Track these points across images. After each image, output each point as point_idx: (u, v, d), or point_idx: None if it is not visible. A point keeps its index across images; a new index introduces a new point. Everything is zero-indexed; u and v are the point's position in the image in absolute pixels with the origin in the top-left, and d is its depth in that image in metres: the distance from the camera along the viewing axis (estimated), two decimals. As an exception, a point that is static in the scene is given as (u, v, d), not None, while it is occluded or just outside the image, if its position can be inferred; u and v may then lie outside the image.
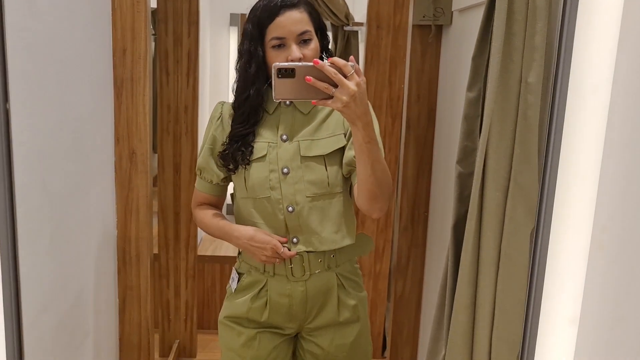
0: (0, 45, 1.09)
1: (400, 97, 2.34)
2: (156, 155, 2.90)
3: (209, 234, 1.57)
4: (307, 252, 1.45)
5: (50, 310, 1.42)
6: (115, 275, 1.94)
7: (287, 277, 1.47)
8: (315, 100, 1.20)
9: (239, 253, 1.57)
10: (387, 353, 2.05)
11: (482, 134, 1.10)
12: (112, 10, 1.80)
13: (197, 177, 1.56)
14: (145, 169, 1.88)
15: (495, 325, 1.11)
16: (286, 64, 1.20)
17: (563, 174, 0.89)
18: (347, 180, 1.48)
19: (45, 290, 1.39)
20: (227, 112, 1.50)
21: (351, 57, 1.19)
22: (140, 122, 1.85)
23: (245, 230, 1.44)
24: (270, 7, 1.36)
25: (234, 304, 1.53)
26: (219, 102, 1.54)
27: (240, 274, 1.55)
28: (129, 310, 1.96)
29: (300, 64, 1.20)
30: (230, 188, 1.60)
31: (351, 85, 1.15)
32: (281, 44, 1.36)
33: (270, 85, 1.44)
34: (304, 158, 1.42)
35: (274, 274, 1.48)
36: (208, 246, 3.75)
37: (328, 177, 1.42)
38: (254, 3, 1.41)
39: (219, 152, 1.47)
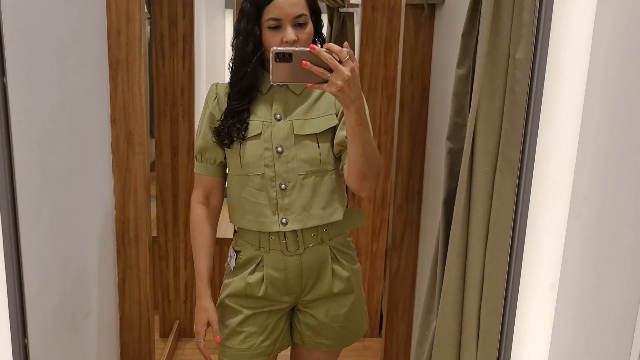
0: (-4, 27, 1.11)
1: (396, 78, 2.35)
2: (154, 140, 2.92)
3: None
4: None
5: (51, 289, 1.45)
6: (115, 256, 1.97)
7: (282, 251, 1.52)
8: (311, 84, 1.25)
9: (235, 232, 1.61)
10: (383, 328, 2.09)
11: (471, 110, 1.13)
12: (106, -7, 1.81)
13: (197, 162, 1.57)
14: (143, 151, 1.90)
15: (484, 296, 1.14)
16: (284, 48, 1.25)
17: (542, 145, 0.92)
18: (338, 159, 1.53)
19: (46, 269, 1.42)
20: (223, 90, 1.55)
21: (345, 43, 1.25)
22: (137, 103, 1.86)
23: (203, 302, 1.55)
24: None
25: (232, 282, 1.58)
26: (213, 84, 1.59)
27: (237, 252, 1.59)
28: (129, 289, 2.00)
29: (297, 49, 1.25)
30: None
31: (346, 70, 1.21)
32: (277, 25, 1.40)
33: (264, 66, 1.49)
34: (298, 137, 1.47)
35: (269, 249, 1.53)
36: (206, 228, 3.78)
37: (320, 155, 1.48)
38: None
39: (215, 127, 1.51)
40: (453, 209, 1.26)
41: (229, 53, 1.58)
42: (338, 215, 1.53)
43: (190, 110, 2.76)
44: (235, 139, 1.48)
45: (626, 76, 0.80)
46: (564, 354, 0.84)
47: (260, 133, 1.47)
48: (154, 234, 3.08)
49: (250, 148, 1.48)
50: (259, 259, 1.55)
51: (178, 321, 3.13)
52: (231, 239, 1.65)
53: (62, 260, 1.52)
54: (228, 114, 1.49)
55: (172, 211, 2.91)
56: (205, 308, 1.55)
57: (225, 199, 1.62)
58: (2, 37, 1.10)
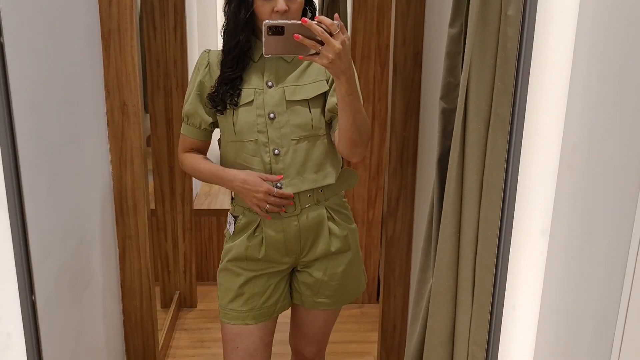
0: (-13, -6, 1.10)
1: (389, 45, 2.35)
2: (148, 115, 2.92)
3: (199, 178, 1.64)
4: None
5: (52, 256, 1.47)
6: (114, 225, 1.99)
7: (279, 213, 1.56)
8: (302, 56, 1.29)
9: (232, 198, 1.64)
10: (380, 292, 2.12)
11: (463, 69, 1.13)
12: (95, -39, 1.79)
13: (184, 124, 1.62)
14: (138, 120, 1.91)
15: (479, 252, 1.17)
16: (276, 22, 1.29)
17: (532, 100, 0.93)
18: (330, 124, 1.57)
19: (47, 237, 1.44)
20: (215, 58, 1.57)
21: (336, 15, 1.28)
22: (130, 73, 1.86)
23: (239, 173, 1.52)
24: None
25: (233, 246, 1.62)
26: (205, 51, 1.60)
27: (235, 217, 1.62)
28: (129, 258, 2.02)
29: (289, 22, 1.28)
30: (215, 135, 1.65)
31: (336, 43, 1.26)
32: None
33: (255, 34, 1.50)
34: (289, 102, 1.51)
35: (266, 212, 1.56)
36: (204, 200, 3.80)
37: (312, 120, 1.52)
38: None
39: (208, 94, 1.54)
40: (446, 168, 1.28)
41: (220, 20, 1.60)
42: (331, 178, 1.57)
43: (183, 81, 2.75)
44: (228, 105, 1.51)
45: (615, 30, 0.81)
46: (556, 300, 0.87)
47: (253, 100, 1.50)
48: (152, 206, 3.10)
49: (243, 115, 1.51)
50: (257, 222, 1.58)
51: (178, 292, 3.17)
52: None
53: (62, 228, 1.54)
54: (221, 81, 1.52)
55: (169, 183, 2.93)
56: (246, 174, 1.51)
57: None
58: (-6, 4, 1.10)
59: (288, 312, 1.77)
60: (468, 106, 1.13)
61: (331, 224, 1.60)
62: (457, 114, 1.16)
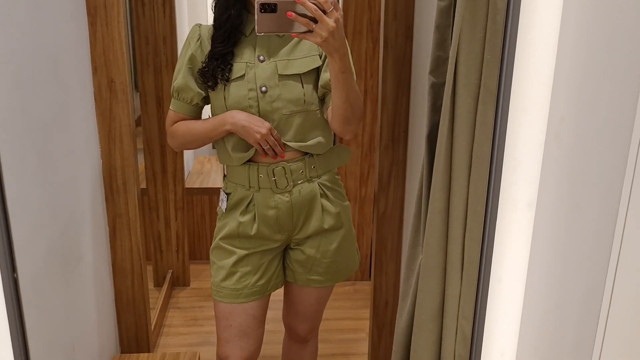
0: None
1: (381, 20, 2.32)
2: (138, 93, 2.89)
3: (194, 142, 1.60)
4: (288, 163, 1.54)
5: (40, 235, 1.46)
6: (104, 204, 1.98)
7: (271, 189, 1.55)
8: (295, 34, 1.28)
9: (225, 175, 1.64)
10: (372, 269, 2.13)
11: (452, 42, 1.12)
12: None
13: (173, 99, 1.58)
14: (126, 98, 1.89)
15: (468, 227, 1.16)
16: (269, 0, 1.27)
17: (519, 71, 0.92)
18: (322, 100, 1.55)
19: (34, 215, 1.43)
20: (206, 33, 1.54)
21: None
22: (117, 50, 1.83)
23: (240, 113, 1.50)
24: None
25: (225, 223, 1.61)
26: (196, 25, 1.58)
27: (227, 194, 1.61)
28: (120, 237, 2.02)
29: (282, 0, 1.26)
30: (205, 111, 1.63)
31: (330, 21, 1.25)
32: None
33: (247, 9, 1.48)
34: (282, 77, 1.49)
35: (259, 188, 1.56)
36: (196, 179, 3.79)
37: (304, 95, 1.50)
38: None
39: (199, 69, 1.52)
40: (436, 143, 1.27)
41: (210, -2, 1.57)
42: (321, 148, 1.57)
43: (173, 58, 2.72)
44: (219, 80, 1.49)
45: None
46: (542, 272, 0.87)
47: (244, 74, 1.49)
48: (143, 185, 3.09)
49: (235, 89, 1.49)
50: (250, 199, 1.58)
51: (171, 271, 3.17)
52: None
53: (50, 207, 1.53)
54: (212, 56, 1.50)
55: (160, 162, 2.91)
56: (244, 116, 1.49)
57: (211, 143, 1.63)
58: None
59: (281, 290, 1.78)
60: (457, 80, 1.12)
61: (324, 201, 1.60)
62: (446, 87, 1.15)
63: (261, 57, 1.50)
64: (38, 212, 1.45)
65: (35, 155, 1.43)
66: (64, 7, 1.65)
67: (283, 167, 1.54)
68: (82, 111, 1.80)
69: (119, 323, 2.10)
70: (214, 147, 1.64)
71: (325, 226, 1.61)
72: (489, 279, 0.98)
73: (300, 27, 1.27)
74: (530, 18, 0.91)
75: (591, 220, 0.76)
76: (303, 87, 1.50)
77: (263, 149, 1.50)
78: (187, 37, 1.57)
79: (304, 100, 1.51)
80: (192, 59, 1.53)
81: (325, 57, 1.51)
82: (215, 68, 1.49)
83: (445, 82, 1.21)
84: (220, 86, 1.50)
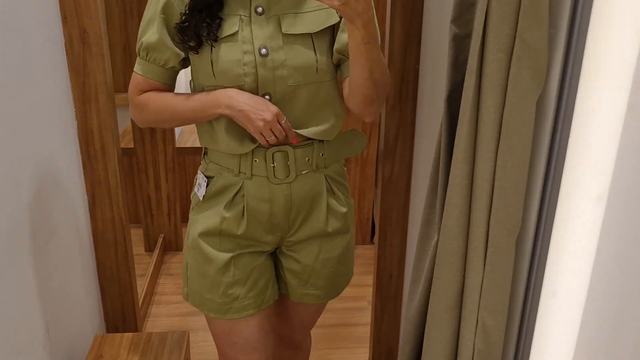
0: None
1: (385, -39, 2.09)
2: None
3: (167, 120, 1.27)
4: (293, 147, 1.24)
5: (1, 207, 1.29)
6: (81, 171, 1.80)
7: (268, 178, 1.25)
8: None
9: (205, 153, 1.33)
10: (375, 239, 1.97)
11: (482, -17, 0.92)
12: None
13: (141, 60, 1.23)
14: (101, 51, 1.68)
15: (494, 206, 0.99)
16: None
17: (595, 22, 0.72)
18: (337, 66, 1.26)
19: (-7, 188, 1.25)
20: None
21: None
22: (89, -4, 1.62)
23: (239, 92, 1.17)
24: None
25: (203, 217, 1.29)
26: None
27: (208, 178, 1.29)
28: (100, 206, 1.84)
29: None
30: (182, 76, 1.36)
31: None
32: None
33: None
34: (287, 37, 1.17)
35: (251, 175, 1.25)
36: (188, 137, 3.59)
37: (317, 62, 1.18)
38: None
39: (177, 23, 1.18)
40: (457, 106, 1.08)
41: None
42: (333, 131, 1.28)
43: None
44: (205, 39, 1.16)
45: None
46: (607, 289, 0.69)
47: (237, 32, 1.16)
48: (130, 145, 2.90)
49: (225, 52, 1.16)
50: (238, 187, 1.26)
51: (162, 235, 3.02)
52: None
53: (12, 176, 1.35)
54: (195, 6, 1.16)
55: (147, 120, 2.71)
56: (245, 97, 1.17)
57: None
58: None
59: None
60: (487, 30, 0.92)
61: (331, 199, 1.31)
62: (473, 40, 0.95)
63: (259, 9, 1.17)
64: (-3, 184, 1.27)
65: (-10, 119, 1.24)
66: (22, -55, 1.42)
67: (286, 152, 1.23)
68: (51, 65, 1.60)
69: (103, 298, 1.95)
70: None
71: (330, 229, 1.32)
72: (540, 293, 0.80)
73: None
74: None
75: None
76: (315, 51, 1.18)
77: (266, 139, 1.20)
78: None
79: (317, 69, 1.19)
80: (167, 7, 1.18)
81: None
82: (199, 23, 1.15)
83: (470, 34, 1.01)
84: (205, 47, 1.18)
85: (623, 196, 0.62)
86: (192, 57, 1.22)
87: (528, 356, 0.91)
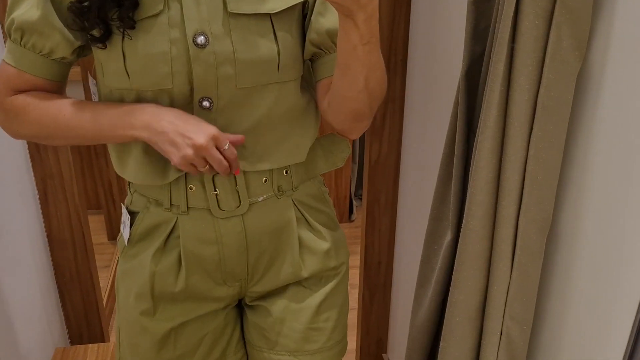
0: None
1: None
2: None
3: (54, 136, 0.89)
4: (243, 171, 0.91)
5: None
6: (29, 164, 1.58)
7: (210, 211, 0.91)
8: None
9: (130, 184, 0.98)
10: (362, 224, 1.82)
11: None
12: None
13: (12, 45, 0.85)
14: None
15: (524, 202, 0.84)
16: None
17: None
18: (305, 62, 0.93)
19: None
20: None
21: None
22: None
23: (161, 108, 0.83)
24: None
25: (131, 270, 0.96)
26: None
27: (133, 214, 0.96)
28: (54, 203, 1.63)
29: None
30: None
31: None
32: None
33: None
34: (236, 19, 0.82)
35: (187, 208, 0.91)
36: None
37: (279, 56, 0.85)
38: None
39: (71, 2, 0.80)
40: (476, 83, 0.91)
41: None
42: (302, 154, 0.95)
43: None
44: (117, 26, 0.80)
45: None
46: None
47: (162, 12, 0.81)
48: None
49: (144, 41, 0.81)
50: (171, 226, 0.92)
51: (126, 222, 2.81)
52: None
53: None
54: None
55: (102, 100, 2.48)
56: (171, 116, 0.82)
57: None
58: None
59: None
60: (521, -9, 0.76)
61: (303, 231, 0.97)
62: (501, 4, 0.78)
63: None
64: None
65: None
66: None
67: (233, 175, 0.90)
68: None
69: (63, 304, 1.75)
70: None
71: (306, 274, 0.98)
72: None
73: None
74: None
75: None
76: (276, 39, 0.85)
77: (196, 168, 0.84)
78: None
79: (278, 65, 0.85)
80: None
81: None
82: (106, 2, 0.79)
83: (493, -4, 0.85)
84: (116, 38, 0.81)
85: None
86: (95, 50, 0.86)
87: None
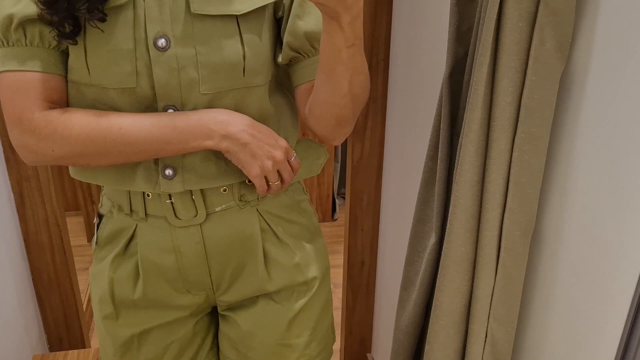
0: None
1: None
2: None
3: (97, 154, 0.80)
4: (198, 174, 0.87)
5: None
6: (4, 165, 1.54)
7: (167, 219, 0.88)
8: None
9: (103, 186, 0.95)
10: (345, 224, 1.81)
11: None
12: None
13: (7, 49, 0.77)
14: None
15: (508, 205, 0.84)
16: None
17: None
18: (280, 67, 0.90)
19: None
20: None
21: None
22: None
23: (229, 113, 0.81)
24: None
25: (98, 274, 0.93)
26: None
27: (100, 217, 0.94)
28: (30, 205, 1.59)
29: None
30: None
31: None
32: None
33: None
34: (199, 18, 0.79)
35: (145, 214, 0.88)
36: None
37: (245, 60, 0.80)
38: None
39: None
40: (460, 85, 0.91)
41: None
42: None
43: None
44: (88, 16, 0.76)
45: None
46: None
47: (126, 4, 0.77)
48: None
49: (109, 36, 0.77)
50: (131, 233, 0.90)
51: (106, 223, 2.77)
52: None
53: None
54: None
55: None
56: (246, 124, 0.81)
57: None
58: None
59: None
60: (503, -8, 0.75)
61: (269, 244, 0.92)
62: (484, 5, 0.78)
63: None
64: None
65: None
66: None
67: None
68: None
69: (42, 310, 1.72)
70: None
71: (272, 287, 0.94)
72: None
73: None
74: None
75: None
76: (242, 42, 0.80)
77: (269, 184, 0.85)
78: None
79: (244, 69, 0.81)
80: None
81: None
82: None
83: (475, -3, 0.84)
84: (89, 26, 0.77)
85: None
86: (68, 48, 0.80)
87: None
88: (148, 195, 0.86)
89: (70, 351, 1.56)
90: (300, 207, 0.96)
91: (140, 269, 0.89)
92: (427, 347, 0.97)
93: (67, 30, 0.76)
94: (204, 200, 0.86)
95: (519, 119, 0.78)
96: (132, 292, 0.90)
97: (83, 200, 2.75)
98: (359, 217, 1.75)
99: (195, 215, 0.87)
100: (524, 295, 0.94)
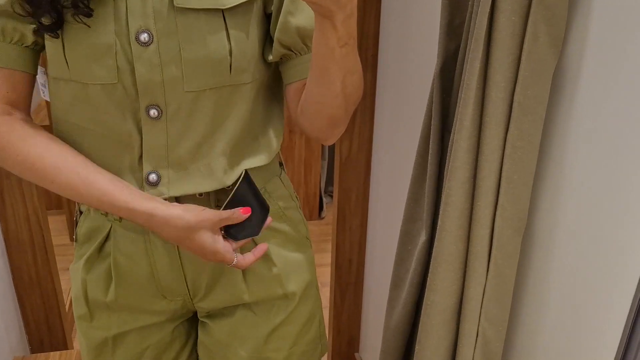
0: None
1: None
2: None
3: (43, 179, 0.78)
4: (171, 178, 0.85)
5: None
6: (-17, 163, 1.51)
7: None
8: None
9: None
10: (333, 221, 1.79)
11: None
12: None
13: None
14: None
15: (500, 202, 0.82)
16: None
17: None
18: (269, 64, 0.86)
19: None
20: None
21: None
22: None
23: (170, 210, 0.78)
24: None
25: (74, 269, 0.91)
26: None
27: (81, 213, 0.91)
28: (11, 203, 1.56)
29: None
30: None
31: None
32: None
33: None
34: (183, 12, 0.75)
35: (120, 217, 0.84)
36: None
37: (231, 54, 0.77)
38: None
39: None
40: (451, 81, 0.89)
41: None
42: (264, 170, 0.90)
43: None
44: (72, 11, 0.73)
45: None
46: None
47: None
48: (46, 122, 2.57)
49: (88, 30, 0.74)
50: (106, 233, 0.86)
51: (89, 222, 2.72)
52: None
53: None
54: None
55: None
56: (182, 210, 0.79)
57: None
58: None
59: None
60: (496, -14, 0.74)
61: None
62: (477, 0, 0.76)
63: None
64: None
65: None
66: None
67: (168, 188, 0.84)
68: None
69: (23, 310, 1.68)
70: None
71: (248, 298, 0.91)
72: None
73: None
74: None
75: None
76: (229, 36, 0.77)
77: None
78: None
79: (230, 66, 0.78)
80: None
81: None
82: None
83: (467, -9, 0.82)
84: (72, 21, 0.74)
85: None
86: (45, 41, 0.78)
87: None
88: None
89: (52, 353, 1.52)
90: (285, 215, 0.92)
91: (112, 272, 0.86)
92: (417, 347, 0.95)
93: (49, 23, 0.73)
94: (179, 203, 0.82)
95: (512, 115, 0.77)
96: (104, 295, 0.88)
97: (66, 199, 2.70)
98: (347, 215, 1.74)
99: None
100: (515, 294, 0.93)
